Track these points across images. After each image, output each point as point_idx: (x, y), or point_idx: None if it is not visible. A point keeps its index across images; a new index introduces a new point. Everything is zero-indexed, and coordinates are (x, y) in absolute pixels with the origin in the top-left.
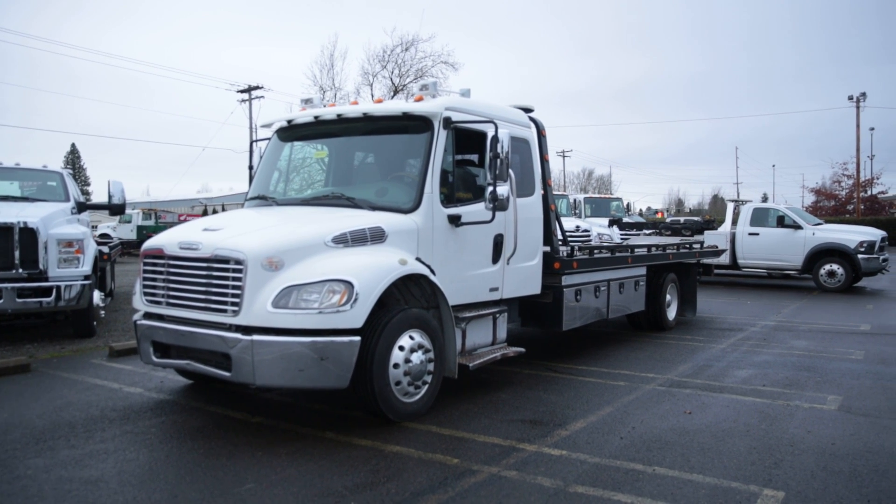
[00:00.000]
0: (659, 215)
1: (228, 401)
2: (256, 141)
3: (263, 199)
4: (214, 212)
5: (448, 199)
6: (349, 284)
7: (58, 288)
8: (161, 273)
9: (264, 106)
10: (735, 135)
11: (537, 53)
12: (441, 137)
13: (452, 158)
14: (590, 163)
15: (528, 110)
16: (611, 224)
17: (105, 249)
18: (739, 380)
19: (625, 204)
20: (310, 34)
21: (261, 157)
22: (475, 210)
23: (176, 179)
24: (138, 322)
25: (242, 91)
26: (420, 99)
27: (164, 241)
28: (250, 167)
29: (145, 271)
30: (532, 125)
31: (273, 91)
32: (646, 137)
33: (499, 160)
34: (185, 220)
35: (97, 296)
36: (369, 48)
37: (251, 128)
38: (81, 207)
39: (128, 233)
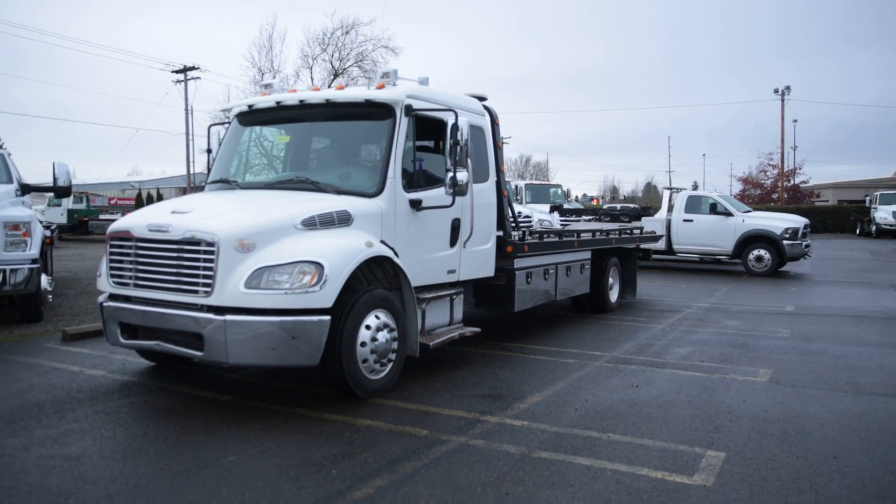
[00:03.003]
0: (594, 202)
1: (195, 381)
2: (214, 125)
3: (226, 183)
4: (149, 196)
5: (409, 184)
6: (319, 266)
7: (4, 272)
8: (129, 255)
9: (201, 87)
10: (667, 124)
11: (477, 38)
12: (403, 124)
13: (413, 145)
14: (527, 149)
15: (482, 98)
16: (552, 210)
17: (47, 233)
18: (680, 356)
19: (565, 190)
20: (248, 13)
21: (220, 142)
22: (435, 195)
23: (107, 162)
24: (105, 304)
25: (178, 71)
26: (381, 86)
27: (132, 223)
28: (208, 151)
29: (112, 253)
30: (486, 113)
31: (210, 72)
32: (583, 125)
33: (458, 147)
34: (115, 204)
35: (44, 280)
36: (309, 30)
37: (187, 109)
38: (25, 189)
39: (58, 216)
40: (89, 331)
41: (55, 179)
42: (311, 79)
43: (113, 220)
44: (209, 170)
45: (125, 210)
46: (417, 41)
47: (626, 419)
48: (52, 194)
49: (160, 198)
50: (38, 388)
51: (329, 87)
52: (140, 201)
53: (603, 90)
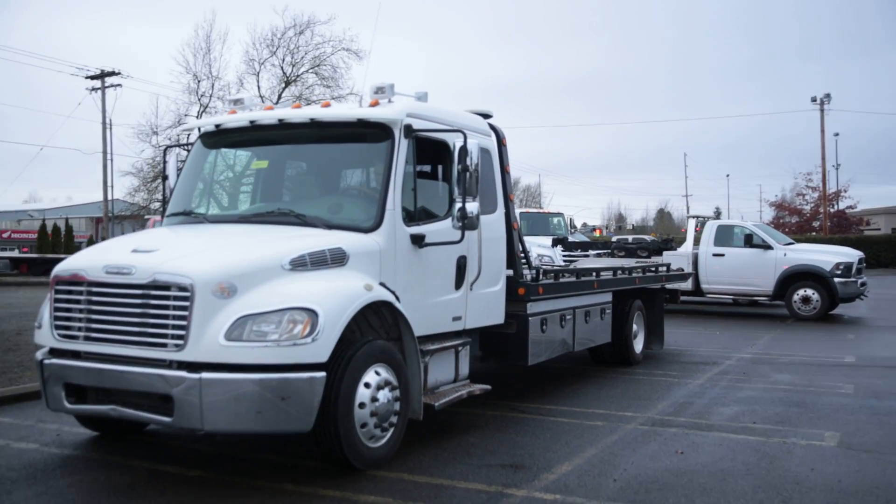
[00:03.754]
0: (597, 232)
1: (154, 454)
2: (171, 147)
3: (189, 216)
4: (55, 227)
5: (410, 216)
6: (313, 313)
7: None
8: (79, 302)
9: (122, 96)
10: (679, 139)
11: (449, 40)
12: (402, 147)
13: (414, 171)
14: (515, 170)
15: (486, 116)
16: (554, 244)
17: None
18: (727, 417)
19: (567, 220)
20: (180, 9)
21: (179, 168)
22: (440, 229)
23: (4, 186)
24: (45, 361)
25: (94, 77)
26: (376, 103)
27: (83, 263)
28: (164, 177)
29: (58, 300)
30: (493, 133)
31: (133, 78)
32: (581, 142)
33: (468, 174)
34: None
35: None
36: (255, 30)
37: (104, 123)
38: None
39: None
40: (7, 395)
41: None
42: (258, 87)
43: (6, 259)
44: (165, 199)
45: (22, 246)
46: (376, 45)
47: (676, 492)
48: None
49: (69, 230)
50: None
51: (279, 97)
52: (44, 234)
53: (603, 100)
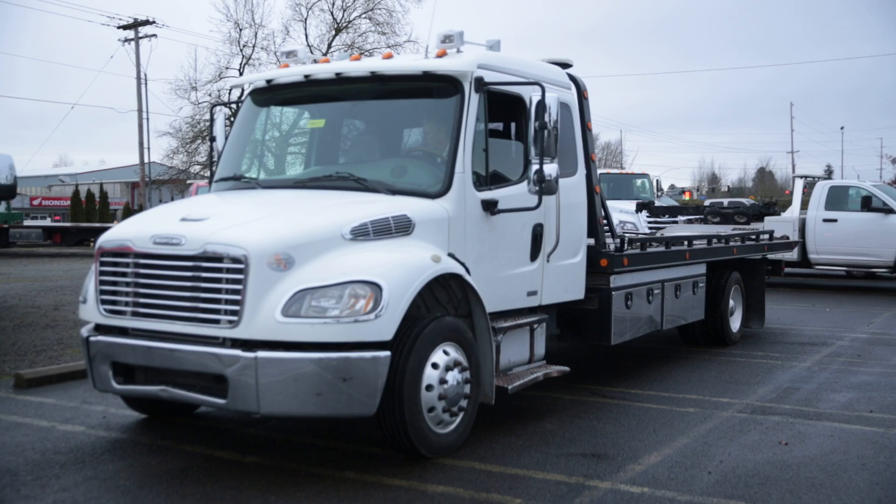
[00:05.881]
0: (686, 195)
1: (205, 438)
2: (218, 104)
3: (240, 181)
4: (90, 193)
5: (481, 180)
6: (376, 287)
7: None
8: (126, 275)
9: (157, 48)
10: (783, 87)
11: None
12: (473, 103)
13: (486, 129)
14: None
15: (565, 66)
16: (639, 209)
17: None
18: (839, 405)
19: (654, 182)
20: None
21: (228, 127)
22: (515, 193)
23: (32, 149)
24: (91, 338)
25: (126, 27)
26: (443, 54)
27: (130, 234)
28: (211, 139)
29: (104, 273)
30: (573, 85)
31: (169, 27)
32: (669, 92)
33: (546, 132)
34: (39, 205)
35: None
36: None
37: (139, 77)
38: None
39: None
40: (50, 374)
41: None
42: (306, 35)
43: (38, 228)
44: (213, 162)
45: (54, 214)
46: None
47: (781, 486)
48: None
49: (104, 196)
50: (2, 449)
51: (329, 46)
52: (77, 201)
53: (693, 43)
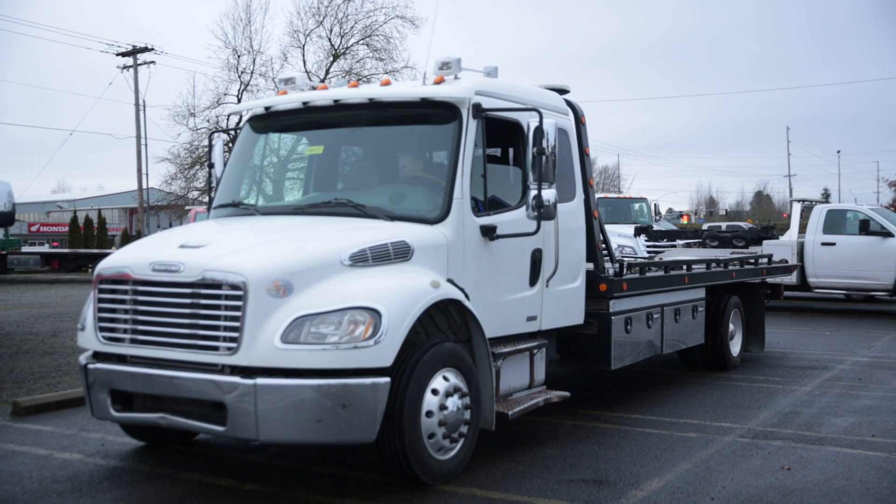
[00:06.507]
0: (684, 219)
1: (204, 466)
2: (217, 131)
3: (238, 208)
4: (87, 219)
5: (479, 205)
6: (375, 313)
7: None
8: (125, 302)
9: (155, 74)
10: (780, 111)
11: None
12: (471, 129)
13: (484, 155)
14: (591, 150)
15: (562, 91)
16: (637, 233)
17: None
18: (841, 429)
19: (652, 206)
20: None
21: (227, 153)
22: (513, 219)
23: (31, 174)
24: (90, 366)
25: (124, 54)
26: (441, 80)
27: (129, 261)
28: (210, 165)
29: (102, 300)
30: (570, 111)
31: (167, 54)
32: (666, 117)
33: (545, 157)
34: (37, 231)
35: None
36: None
37: (137, 104)
38: None
39: None
40: (48, 402)
41: None
42: (304, 61)
43: (36, 254)
44: (211, 189)
45: (52, 240)
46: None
47: None
48: None
49: (102, 222)
50: None
51: (326, 72)
52: (76, 227)
53: (692, 68)
